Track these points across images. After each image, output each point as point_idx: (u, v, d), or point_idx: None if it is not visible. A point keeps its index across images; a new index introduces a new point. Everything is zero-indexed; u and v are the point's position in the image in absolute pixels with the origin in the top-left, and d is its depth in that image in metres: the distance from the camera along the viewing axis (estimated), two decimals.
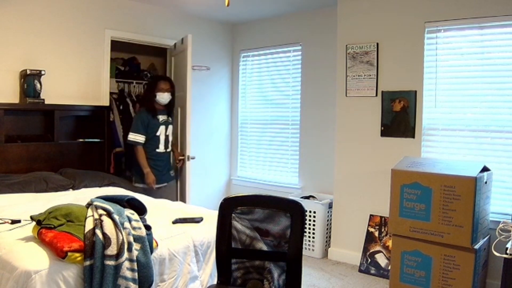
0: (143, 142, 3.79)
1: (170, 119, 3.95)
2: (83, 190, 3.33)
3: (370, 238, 3.81)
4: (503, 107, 3.25)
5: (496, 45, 3.27)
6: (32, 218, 2.06)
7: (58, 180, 3.35)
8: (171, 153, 4.05)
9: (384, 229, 3.74)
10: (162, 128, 3.85)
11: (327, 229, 4.23)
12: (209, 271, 2.42)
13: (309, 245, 4.18)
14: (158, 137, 3.85)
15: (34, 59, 3.63)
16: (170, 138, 3.97)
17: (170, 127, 3.96)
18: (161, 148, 3.89)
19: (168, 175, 4.02)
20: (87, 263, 1.87)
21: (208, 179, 5.19)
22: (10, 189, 3.05)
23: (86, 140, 3.94)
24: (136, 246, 2.01)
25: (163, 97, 3.82)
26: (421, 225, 3.01)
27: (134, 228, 2.06)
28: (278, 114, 5.02)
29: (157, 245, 2.16)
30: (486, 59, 3.31)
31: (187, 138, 4.08)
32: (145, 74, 4.86)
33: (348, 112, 3.99)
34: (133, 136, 3.78)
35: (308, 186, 4.71)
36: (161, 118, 3.85)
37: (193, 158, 4.23)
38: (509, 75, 3.21)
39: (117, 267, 1.90)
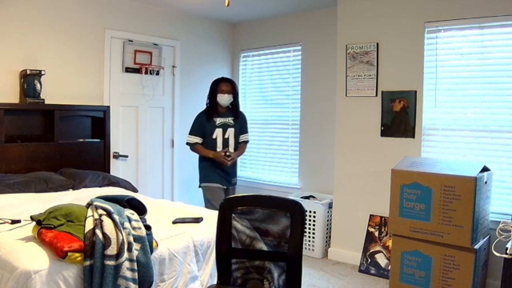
0: (200, 143, 3.83)
1: (231, 121, 3.84)
2: (83, 190, 3.33)
3: (370, 238, 3.81)
4: (503, 107, 3.25)
5: (496, 45, 3.27)
6: (32, 218, 2.06)
7: (58, 180, 3.35)
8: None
9: (384, 229, 3.74)
10: (218, 131, 3.79)
11: (327, 229, 4.23)
12: (209, 271, 2.42)
13: (309, 245, 4.18)
14: (215, 140, 3.79)
15: (34, 59, 3.63)
16: (232, 142, 3.83)
17: (231, 130, 3.82)
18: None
19: (230, 180, 3.89)
20: (87, 263, 1.87)
21: None
22: (10, 189, 3.05)
23: (86, 140, 3.94)
24: (136, 246, 2.01)
25: (223, 99, 3.77)
26: (421, 225, 3.01)
27: (134, 228, 2.06)
28: (278, 114, 5.02)
29: (157, 245, 2.16)
30: (486, 59, 3.31)
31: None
32: None
33: (348, 112, 3.99)
34: (190, 138, 3.84)
35: (308, 186, 4.71)
36: (219, 120, 3.79)
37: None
38: (509, 75, 3.21)
39: (117, 267, 1.90)
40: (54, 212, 2.06)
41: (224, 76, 4.00)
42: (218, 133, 3.79)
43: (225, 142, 3.81)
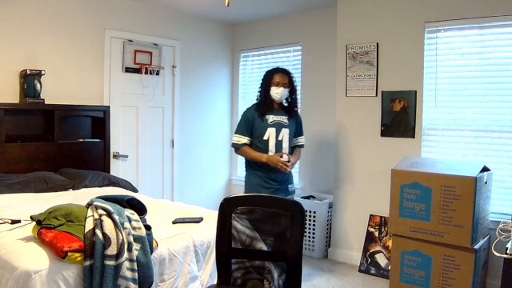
0: (248, 144, 3.20)
1: (286, 120, 3.21)
2: (83, 190, 3.33)
3: (370, 238, 3.81)
4: (503, 107, 3.25)
5: (496, 45, 3.26)
6: (32, 218, 2.06)
7: (58, 180, 3.35)
8: (289, 160, 3.19)
9: (384, 229, 3.74)
10: (271, 131, 3.15)
11: (327, 229, 4.23)
12: (209, 271, 2.42)
13: (309, 245, 4.17)
14: (267, 141, 3.16)
15: (34, 59, 3.63)
16: (286, 145, 3.19)
17: (285, 130, 3.20)
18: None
19: (284, 188, 3.26)
20: (87, 263, 1.87)
21: (208, 179, 5.19)
22: (10, 189, 3.05)
23: (86, 140, 3.94)
24: (136, 246, 2.01)
25: (277, 93, 3.14)
26: (421, 225, 3.01)
27: (134, 228, 2.06)
28: None
29: (157, 245, 2.16)
30: (486, 59, 3.31)
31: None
32: None
33: (348, 112, 3.99)
34: (236, 138, 3.21)
35: (308, 186, 4.71)
36: (272, 118, 3.16)
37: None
38: (509, 75, 3.20)
39: (117, 267, 1.90)
40: (54, 212, 2.06)
41: (280, 67, 3.32)
42: (270, 134, 3.15)
43: (279, 145, 3.17)
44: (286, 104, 3.27)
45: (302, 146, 3.43)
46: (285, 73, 3.21)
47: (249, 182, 3.27)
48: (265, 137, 3.14)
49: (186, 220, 2.59)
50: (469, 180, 2.82)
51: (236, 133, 3.23)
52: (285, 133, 3.20)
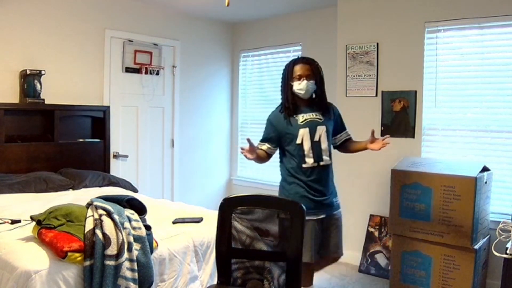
0: (268, 152, 2.66)
1: (320, 116, 2.60)
2: (83, 190, 3.33)
3: (370, 238, 3.81)
4: (503, 107, 3.25)
5: (496, 45, 3.26)
6: (32, 218, 2.07)
7: (58, 180, 3.35)
8: (331, 167, 2.66)
9: (384, 229, 3.74)
10: (303, 132, 2.54)
11: None
12: (209, 271, 2.42)
13: None
14: (301, 146, 2.55)
15: (34, 59, 3.63)
16: (325, 145, 2.58)
17: (321, 128, 2.57)
18: (309, 162, 2.54)
19: (329, 202, 2.62)
20: (87, 263, 1.87)
21: (208, 179, 5.19)
22: (10, 189, 3.05)
23: (86, 140, 3.94)
24: (136, 246, 2.01)
25: (301, 88, 2.56)
26: (421, 225, 3.01)
27: (134, 228, 2.06)
28: None
29: (157, 245, 2.16)
30: (486, 59, 3.31)
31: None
32: None
33: (348, 112, 3.97)
34: (257, 145, 2.63)
35: None
36: (302, 118, 2.57)
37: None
38: (509, 75, 3.20)
39: (117, 267, 1.90)
40: (54, 212, 2.06)
41: (301, 56, 2.73)
42: (304, 136, 2.55)
43: (316, 147, 2.56)
44: (315, 98, 2.66)
45: (351, 137, 2.82)
46: (306, 62, 2.65)
47: (284, 189, 2.64)
48: (298, 141, 2.55)
49: (186, 220, 2.59)
50: (469, 180, 2.82)
51: (260, 141, 2.72)
52: (321, 131, 2.57)
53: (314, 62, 2.69)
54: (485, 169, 3.01)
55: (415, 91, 3.56)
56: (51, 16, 3.75)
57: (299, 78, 2.58)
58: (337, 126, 2.73)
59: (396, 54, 3.68)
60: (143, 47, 4.42)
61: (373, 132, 2.61)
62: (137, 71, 4.41)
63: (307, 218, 2.24)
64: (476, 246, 2.86)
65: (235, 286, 2.03)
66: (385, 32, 3.72)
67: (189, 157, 4.94)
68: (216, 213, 2.08)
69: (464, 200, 2.83)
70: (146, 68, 4.44)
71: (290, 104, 2.60)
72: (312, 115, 2.60)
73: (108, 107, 4.09)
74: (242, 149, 2.50)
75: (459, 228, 2.85)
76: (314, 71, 2.63)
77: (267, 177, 5.11)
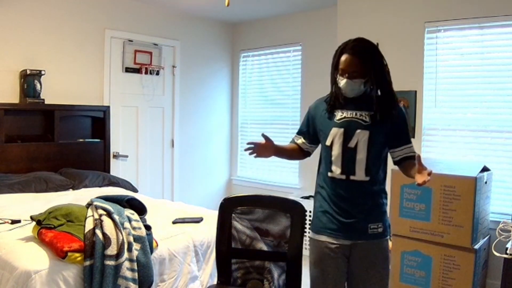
0: (304, 148, 2.09)
1: (366, 118, 1.89)
2: (83, 190, 3.33)
3: None
4: (503, 107, 3.25)
5: (496, 45, 3.26)
6: (32, 218, 2.07)
7: (58, 180, 3.35)
8: (369, 186, 1.88)
9: None
10: (336, 132, 1.89)
11: None
12: (209, 271, 2.42)
13: (309, 245, 4.16)
14: (329, 149, 1.91)
15: (34, 59, 3.63)
16: (363, 155, 1.85)
17: (362, 133, 1.86)
18: (335, 172, 1.88)
19: (363, 228, 1.85)
20: (87, 263, 1.87)
21: (208, 179, 5.19)
22: (10, 189, 3.05)
23: (86, 140, 3.94)
24: (136, 246, 2.01)
25: (345, 86, 1.89)
26: (421, 225, 3.01)
27: (134, 228, 2.06)
28: (278, 114, 5.02)
29: (157, 245, 2.16)
30: (486, 59, 3.31)
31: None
32: None
33: None
34: (293, 138, 2.16)
35: (308, 186, 4.70)
36: (340, 114, 1.92)
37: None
38: (509, 75, 3.20)
39: (117, 267, 1.90)
40: (54, 212, 2.06)
41: (353, 39, 2.10)
42: (335, 137, 1.89)
43: (348, 155, 1.86)
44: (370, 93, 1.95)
45: (413, 158, 1.92)
46: (355, 53, 1.94)
47: (314, 207, 1.98)
48: (327, 142, 1.91)
49: (186, 220, 2.59)
50: (469, 180, 2.82)
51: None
52: (361, 137, 1.85)
53: (368, 54, 1.97)
54: (485, 169, 3.01)
55: (415, 91, 3.56)
56: (51, 16, 3.75)
57: (342, 73, 1.91)
58: (395, 136, 1.94)
59: (396, 54, 3.67)
60: (143, 47, 4.42)
61: (418, 158, 1.77)
62: (137, 71, 4.41)
63: (322, 238, 1.86)
64: (476, 246, 2.86)
65: (235, 286, 2.03)
66: (385, 32, 3.72)
67: (189, 157, 4.94)
68: (216, 213, 2.08)
69: (464, 200, 2.83)
70: (146, 68, 4.45)
71: (335, 95, 1.97)
72: (356, 114, 1.89)
73: (108, 107, 4.09)
74: (250, 147, 1.98)
75: (459, 228, 2.85)
76: (364, 66, 1.91)
77: (267, 177, 5.11)
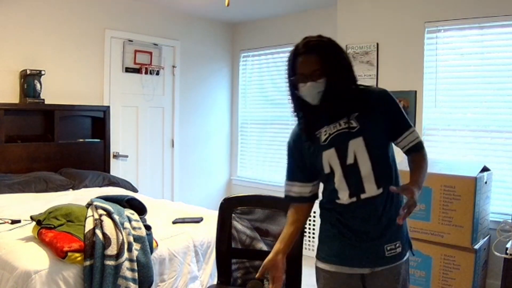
0: (299, 195, 1.70)
1: (353, 122, 1.55)
2: (83, 190, 3.33)
3: None
4: (503, 107, 3.25)
5: (496, 45, 3.26)
6: (32, 218, 2.07)
7: (58, 180, 3.35)
8: (383, 199, 1.59)
9: None
10: (328, 156, 1.58)
11: None
12: (209, 271, 2.42)
13: (309, 245, 4.17)
14: (329, 176, 1.61)
15: (34, 59, 3.63)
16: (367, 168, 1.56)
17: (354, 142, 1.55)
18: (343, 197, 1.58)
19: (379, 251, 1.56)
20: (87, 263, 1.87)
21: (208, 179, 5.19)
22: (10, 189, 3.05)
23: (86, 140, 3.94)
24: (136, 246, 2.01)
25: (307, 94, 1.56)
26: (421, 225, 3.01)
27: (134, 228, 2.06)
28: (278, 114, 5.01)
29: (157, 245, 2.16)
30: (486, 59, 3.31)
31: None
32: None
33: None
34: (285, 187, 1.72)
35: None
36: (325, 134, 1.58)
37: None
38: (509, 75, 3.20)
39: (117, 267, 1.90)
40: (54, 212, 2.06)
41: (301, 40, 1.69)
42: (330, 160, 1.58)
43: (351, 173, 1.57)
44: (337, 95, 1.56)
45: (417, 148, 1.71)
46: (310, 51, 1.60)
47: (320, 231, 1.71)
48: (326, 170, 1.60)
49: (186, 220, 2.59)
50: (469, 180, 2.82)
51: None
52: (357, 147, 1.55)
53: (323, 47, 1.62)
54: (485, 169, 3.01)
55: (415, 91, 3.56)
56: (51, 16, 3.75)
57: (303, 79, 1.55)
58: (392, 125, 1.63)
59: (396, 54, 3.68)
60: (143, 47, 4.42)
61: (403, 188, 1.58)
62: (137, 71, 4.41)
63: (333, 269, 1.59)
64: (476, 246, 2.86)
65: (235, 286, 2.03)
66: (385, 32, 3.72)
67: (189, 157, 4.94)
68: (216, 213, 2.08)
69: (464, 200, 2.83)
70: (146, 68, 4.44)
71: (305, 116, 1.63)
72: (340, 124, 1.57)
73: (108, 107, 4.09)
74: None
75: (459, 228, 2.85)
76: (325, 61, 1.56)
77: (267, 177, 5.11)
